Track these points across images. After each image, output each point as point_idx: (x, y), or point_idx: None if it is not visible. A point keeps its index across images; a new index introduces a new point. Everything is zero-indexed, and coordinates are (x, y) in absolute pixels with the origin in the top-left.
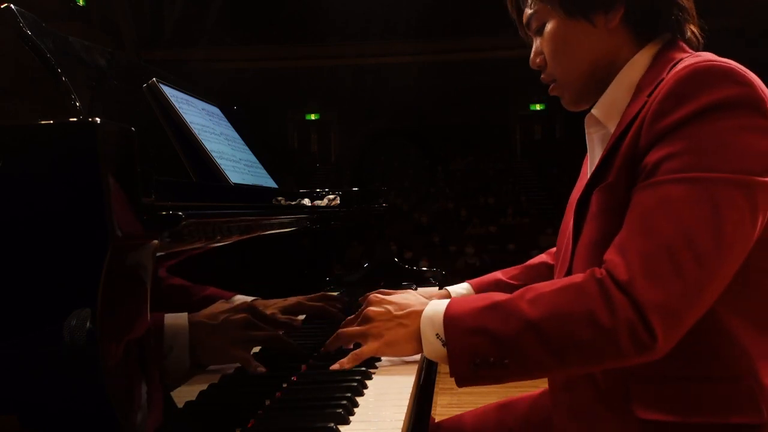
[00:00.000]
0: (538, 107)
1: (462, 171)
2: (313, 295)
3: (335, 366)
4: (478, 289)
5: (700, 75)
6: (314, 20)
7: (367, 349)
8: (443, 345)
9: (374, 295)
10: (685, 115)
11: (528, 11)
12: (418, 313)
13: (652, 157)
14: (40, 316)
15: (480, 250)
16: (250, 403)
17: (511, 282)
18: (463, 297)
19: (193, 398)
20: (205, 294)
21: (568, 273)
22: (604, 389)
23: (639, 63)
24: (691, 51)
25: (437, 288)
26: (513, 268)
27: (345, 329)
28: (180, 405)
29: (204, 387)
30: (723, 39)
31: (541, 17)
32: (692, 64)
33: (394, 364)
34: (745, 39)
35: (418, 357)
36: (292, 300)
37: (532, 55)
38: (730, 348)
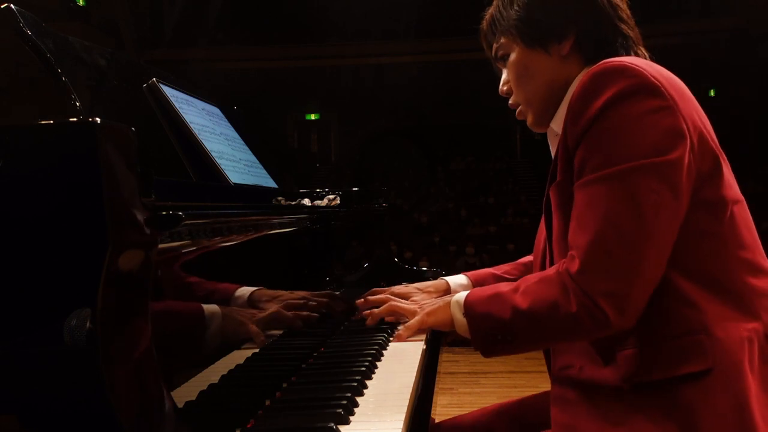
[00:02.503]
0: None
1: (462, 171)
2: (320, 294)
3: (399, 335)
4: (474, 279)
5: (597, 76)
6: (314, 20)
7: (416, 320)
8: (467, 322)
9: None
10: (592, 115)
11: (495, 45)
12: (451, 295)
13: (577, 158)
14: (40, 316)
15: (480, 250)
16: (250, 403)
17: (504, 275)
18: (481, 288)
19: (193, 398)
20: (206, 291)
21: (546, 264)
22: (598, 361)
23: (580, 79)
24: None
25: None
26: (506, 264)
27: (396, 303)
28: (180, 405)
29: (204, 387)
30: (726, 39)
31: (505, 49)
32: (592, 69)
33: (395, 357)
34: (747, 39)
35: (418, 356)
36: (298, 294)
37: (500, 83)
38: (681, 307)
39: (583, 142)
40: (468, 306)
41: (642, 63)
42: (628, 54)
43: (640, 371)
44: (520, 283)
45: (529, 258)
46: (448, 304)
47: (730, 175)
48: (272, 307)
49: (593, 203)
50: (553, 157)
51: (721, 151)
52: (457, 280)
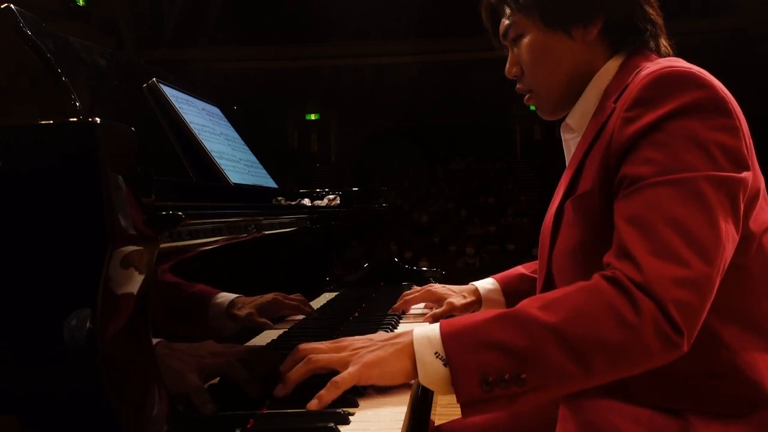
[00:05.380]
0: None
1: (462, 171)
2: (291, 296)
3: (313, 403)
4: (502, 282)
5: (664, 81)
6: (314, 20)
7: (348, 374)
8: (445, 365)
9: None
10: (654, 120)
11: (505, 21)
12: (409, 333)
13: (629, 165)
14: (41, 316)
15: (480, 250)
16: (250, 403)
17: (533, 275)
18: (455, 317)
19: None
20: (196, 291)
21: (547, 279)
22: (609, 390)
23: (608, 71)
24: (656, 57)
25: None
26: (535, 262)
27: (316, 354)
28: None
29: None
30: (726, 39)
31: (518, 28)
32: (655, 71)
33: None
34: (747, 39)
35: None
36: (268, 296)
37: (508, 65)
38: (711, 345)
39: (636, 148)
40: (450, 338)
41: (704, 72)
42: (656, 43)
43: (659, 402)
44: (528, 301)
45: None
46: (407, 347)
47: (764, 200)
48: (220, 360)
49: (656, 207)
50: (567, 160)
51: (760, 175)
52: (485, 284)
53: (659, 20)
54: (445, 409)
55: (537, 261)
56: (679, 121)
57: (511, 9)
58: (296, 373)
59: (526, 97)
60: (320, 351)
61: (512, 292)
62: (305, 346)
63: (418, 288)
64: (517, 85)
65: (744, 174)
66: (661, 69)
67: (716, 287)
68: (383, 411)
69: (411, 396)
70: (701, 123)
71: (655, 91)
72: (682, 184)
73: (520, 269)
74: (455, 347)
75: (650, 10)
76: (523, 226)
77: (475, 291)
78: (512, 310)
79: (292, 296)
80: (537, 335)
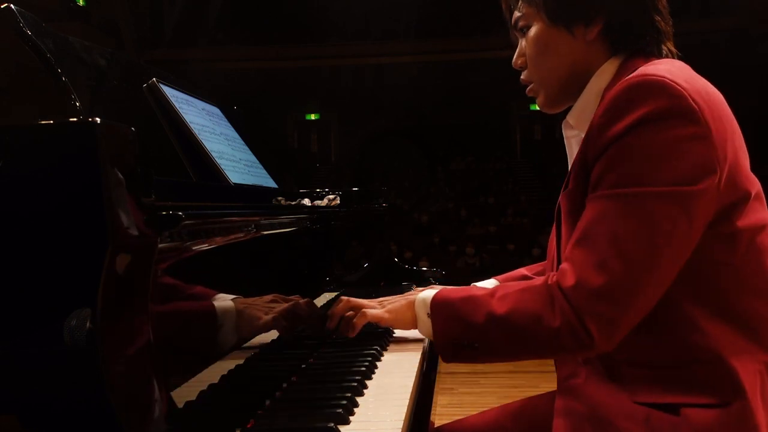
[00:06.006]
0: (538, 107)
1: (462, 171)
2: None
3: (349, 331)
4: (503, 282)
5: (633, 89)
6: (314, 20)
7: (372, 312)
8: (431, 323)
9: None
10: (621, 130)
11: (517, 13)
12: (415, 292)
13: (596, 170)
14: (41, 316)
15: (480, 250)
16: (250, 403)
17: (535, 277)
18: (450, 287)
19: (193, 398)
20: (195, 292)
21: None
22: (605, 375)
23: (607, 71)
24: (655, 60)
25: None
26: (537, 264)
27: (351, 300)
28: (180, 405)
29: (204, 387)
30: (726, 39)
31: (527, 20)
32: (629, 79)
33: (395, 357)
34: (747, 39)
35: (418, 356)
36: (267, 298)
37: (515, 55)
38: (695, 335)
39: (605, 155)
40: (435, 306)
41: (681, 77)
42: (659, 49)
43: (649, 393)
44: (497, 288)
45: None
46: (412, 302)
47: (758, 201)
48: (286, 305)
49: (602, 219)
50: (569, 157)
51: (753, 177)
52: (487, 285)
53: (667, 28)
54: (445, 409)
55: (539, 264)
56: (643, 130)
57: (522, 1)
58: (339, 309)
59: (528, 88)
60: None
61: None
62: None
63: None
64: (522, 75)
65: (705, 184)
66: (634, 77)
67: (647, 299)
68: (383, 411)
69: (411, 396)
70: (665, 133)
71: (623, 101)
72: (631, 199)
73: (522, 271)
74: (437, 315)
75: (656, 17)
76: (523, 226)
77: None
78: (479, 296)
79: (290, 298)
80: (486, 320)
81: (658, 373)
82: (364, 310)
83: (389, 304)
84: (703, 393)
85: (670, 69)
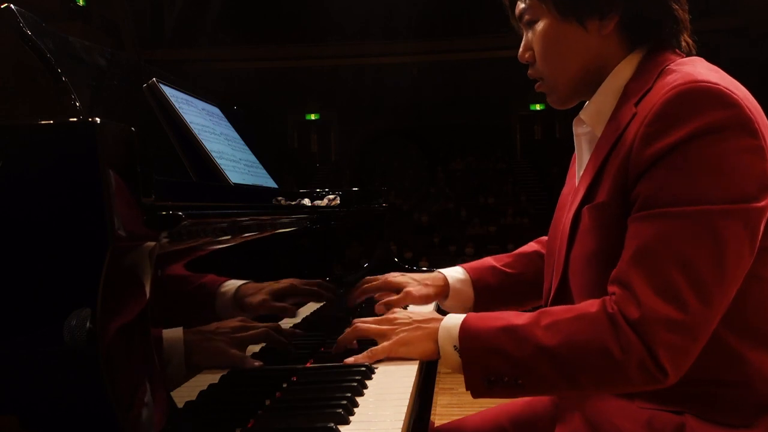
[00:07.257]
0: (538, 107)
1: (462, 171)
2: (308, 281)
3: (349, 360)
4: (473, 274)
5: (688, 98)
6: (314, 20)
7: (382, 348)
8: (460, 356)
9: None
10: (674, 142)
11: (521, 5)
12: (438, 320)
13: (645, 185)
14: (41, 316)
15: (480, 250)
16: (250, 403)
17: (504, 269)
18: (479, 314)
19: (193, 398)
20: (200, 283)
21: (563, 280)
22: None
23: (626, 68)
24: (677, 55)
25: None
26: (505, 255)
27: (363, 324)
28: (180, 405)
29: (204, 387)
30: (726, 39)
31: (533, 13)
32: (679, 84)
33: (394, 363)
34: (748, 39)
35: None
36: (284, 282)
37: (521, 49)
38: (721, 354)
39: (654, 169)
40: (466, 339)
41: (731, 84)
42: (677, 41)
43: (660, 404)
44: (540, 316)
45: (527, 249)
46: (433, 333)
47: None
48: (258, 329)
49: (665, 240)
50: (578, 155)
51: None
52: (454, 274)
53: (684, 16)
54: (445, 409)
55: (507, 254)
56: (700, 144)
57: None
58: (344, 337)
59: (537, 84)
60: (367, 322)
61: (482, 287)
62: (372, 278)
63: (374, 280)
64: (529, 71)
65: (765, 201)
66: (686, 83)
67: (713, 326)
68: (383, 411)
69: (411, 396)
70: (723, 146)
71: (677, 108)
72: (695, 218)
73: (490, 261)
74: (469, 350)
75: (675, 6)
76: (523, 226)
77: (443, 279)
78: (522, 325)
79: (309, 281)
80: (535, 353)
81: (672, 390)
82: (371, 349)
83: (404, 332)
84: (718, 412)
85: (717, 74)
